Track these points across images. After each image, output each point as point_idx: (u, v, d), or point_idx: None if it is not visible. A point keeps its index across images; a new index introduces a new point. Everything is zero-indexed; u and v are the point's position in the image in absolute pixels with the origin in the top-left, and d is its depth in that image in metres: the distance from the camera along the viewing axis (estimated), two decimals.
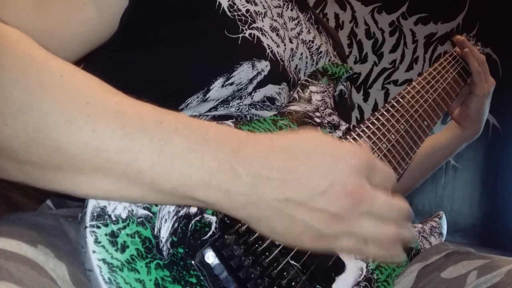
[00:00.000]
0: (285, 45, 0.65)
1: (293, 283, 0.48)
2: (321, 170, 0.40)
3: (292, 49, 0.66)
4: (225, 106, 0.59)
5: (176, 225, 0.43)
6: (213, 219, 0.46)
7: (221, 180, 0.39)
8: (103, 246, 0.39)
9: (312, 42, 0.71)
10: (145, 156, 0.38)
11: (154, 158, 0.38)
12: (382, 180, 0.43)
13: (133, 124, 0.38)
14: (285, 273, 0.48)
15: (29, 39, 0.41)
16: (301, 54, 0.68)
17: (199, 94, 0.57)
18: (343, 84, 0.75)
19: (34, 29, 0.47)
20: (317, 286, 0.51)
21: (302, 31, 0.71)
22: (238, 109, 0.59)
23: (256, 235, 0.47)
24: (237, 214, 0.41)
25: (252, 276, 0.45)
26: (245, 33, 0.60)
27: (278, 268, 0.48)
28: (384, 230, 0.42)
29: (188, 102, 0.57)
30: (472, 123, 0.88)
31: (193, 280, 0.42)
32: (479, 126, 0.89)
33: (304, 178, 0.40)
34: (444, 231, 0.69)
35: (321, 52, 0.72)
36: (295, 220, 0.41)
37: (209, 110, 0.58)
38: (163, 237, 0.42)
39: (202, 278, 0.43)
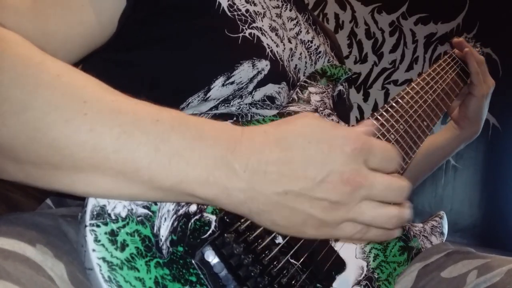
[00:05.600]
0: (284, 45, 0.65)
1: (293, 282, 0.48)
2: (317, 160, 0.40)
3: (291, 49, 0.66)
4: (226, 105, 0.59)
5: (175, 223, 0.43)
6: (213, 217, 0.46)
7: (219, 177, 0.39)
8: (103, 245, 0.39)
9: (311, 42, 0.71)
10: (142, 155, 0.38)
11: (151, 156, 0.38)
12: (381, 161, 0.42)
13: (129, 123, 0.38)
14: (285, 272, 0.48)
15: (27, 41, 0.41)
16: (300, 54, 0.68)
17: (200, 94, 0.57)
18: (341, 85, 0.76)
19: (32, 31, 0.47)
20: (318, 285, 0.51)
21: (301, 31, 0.71)
22: (239, 108, 0.60)
23: (256, 233, 0.47)
24: (237, 210, 0.42)
25: (252, 274, 0.45)
26: (245, 33, 0.60)
27: (278, 267, 0.48)
28: (385, 212, 0.42)
29: (189, 101, 0.58)
30: (470, 124, 0.88)
31: (193, 278, 0.42)
32: (477, 127, 0.88)
33: (301, 169, 0.40)
34: (445, 230, 0.69)
35: (320, 52, 0.72)
36: (295, 211, 0.41)
37: (210, 109, 0.59)
38: (162, 236, 0.42)
39: (202, 276, 0.43)
